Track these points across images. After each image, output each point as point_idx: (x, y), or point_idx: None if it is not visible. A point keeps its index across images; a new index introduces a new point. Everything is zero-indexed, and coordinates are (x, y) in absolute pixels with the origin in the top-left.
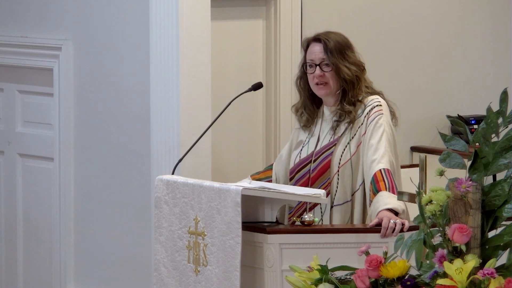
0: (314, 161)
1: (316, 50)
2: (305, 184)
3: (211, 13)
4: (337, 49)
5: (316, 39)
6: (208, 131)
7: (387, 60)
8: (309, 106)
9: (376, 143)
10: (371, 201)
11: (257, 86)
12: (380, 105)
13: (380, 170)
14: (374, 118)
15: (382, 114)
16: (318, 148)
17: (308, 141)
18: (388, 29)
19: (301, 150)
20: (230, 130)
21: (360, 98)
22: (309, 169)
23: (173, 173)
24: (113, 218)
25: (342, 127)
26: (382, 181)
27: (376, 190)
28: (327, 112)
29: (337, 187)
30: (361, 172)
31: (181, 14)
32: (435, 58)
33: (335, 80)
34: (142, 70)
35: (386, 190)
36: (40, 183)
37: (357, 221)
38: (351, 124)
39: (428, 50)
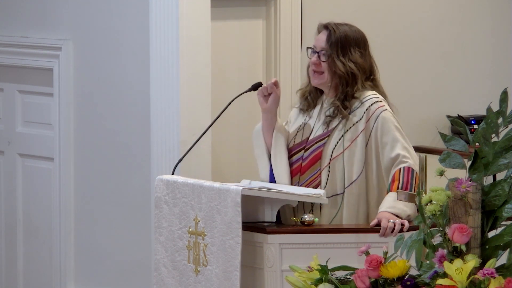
0: (307, 149)
1: (321, 38)
2: (297, 171)
3: (211, 13)
4: (340, 43)
5: (325, 26)
6: (208, 131)
7: (387, 60)
8: (314, 93)
9: (391, 140)
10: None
11: (257, 86)
12: (380, 101)
13: (400, 169)
14: (379, 114)
15: (386, 109)
16: (312, 136)
17: (304, 126)
18: (388, 29)
19: (296, 134)
20: (230, 130)
21: (355, 94)
22: (302, 156)
23: (173, 173)
24: (113, 218)
25: (336, 120)
26: (397, 180)
27: (388, 190)
28: (326, 102)
29: (327, 179)
30: (357, 168)
31: (181, 14)
32: (435, 58)
33: (329, 72)
34: (142, 70)
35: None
36: (40, 183)
37: (349, 216)
38: (346, 118)
39: (428, 50)
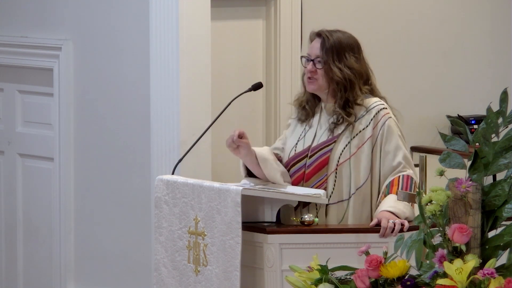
0: (310, 156)
1: (314, 46)
2: (300, 179)
3: (211, 13)
4: (335, 49)
5: (318, 34)
6: (208, 131)
7: (387, 60)
8: (312, 101)
9: (394, 149)
10: (379, 202)
11: (257, 86)
12: (386, 108)
13: (399, 176)
14: (385, 122)
15: (390, 117)
16: (314, 143)
17: (305, 135)
18: (388, 29)
19: (297, 143)
20: (230, 130)
21: (358, 101)
22: (305, 164)
23: (173, 173)
24: (113, 218)
25: (341, 126)
26: (396, 185)
27: (387, 193)
28: (326, 109)
29: (334, 185)
30: (363, 174)
31: (181, 14)
32: (435, 58)
33: (325, 79)
34: (142, 70)
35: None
36: (40, 183)
37: (354, 220)
38: (351, 125)
39: (428, 50)
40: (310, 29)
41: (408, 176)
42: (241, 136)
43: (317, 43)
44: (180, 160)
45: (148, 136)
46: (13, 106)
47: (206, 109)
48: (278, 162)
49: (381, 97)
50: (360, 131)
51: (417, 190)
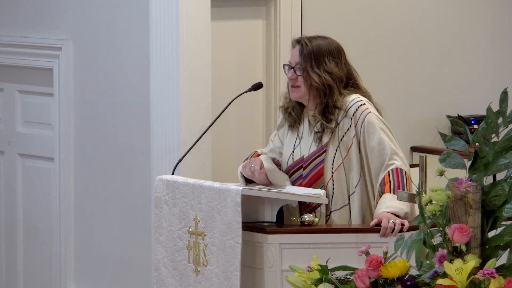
0: (305, 167)
1: (294, 53)
2: None
3: (211, 13)
4: (313, 55)
5: (298, 41)
6: (208, 131)
7: (387, 60)
8: (297, 107)
9: (378, 144)
10: (377, 203)
11: (257, 86)
12: (364, 104)
13: (388, 171)
14: (364, 119)
15: (370, 112)
16: (307, 153)
17: (299, 143)
18: (388, 29)
19: (293, 151)
20: (230, 130)
21: (338, 104)
22: (301, 175)
23: (173, 173)
24: (113, 218)
25: (327, 134)
26: (388, 183)
27: (381, 192)
28: (309, 116)
29: (333, 192)
30: (356, 173)
31: (181, 14)
32: (435, 58)
33: (306, 85)
34: (142, 70)
35: (391, 192)
36: (40, 183)
37: (356, 223)
38: (336, 129)
39: (428, 50)
40: (310, 29)
41: (397, 169)
42: (260, 167)
43: (296, 50)
44: (180, 160)
45: (148, 136)
46: (13, 106)
47: (206, 109)
48: (281, 172)
49: (364, 93)
50: (345, 133)
51: (418, 189)
